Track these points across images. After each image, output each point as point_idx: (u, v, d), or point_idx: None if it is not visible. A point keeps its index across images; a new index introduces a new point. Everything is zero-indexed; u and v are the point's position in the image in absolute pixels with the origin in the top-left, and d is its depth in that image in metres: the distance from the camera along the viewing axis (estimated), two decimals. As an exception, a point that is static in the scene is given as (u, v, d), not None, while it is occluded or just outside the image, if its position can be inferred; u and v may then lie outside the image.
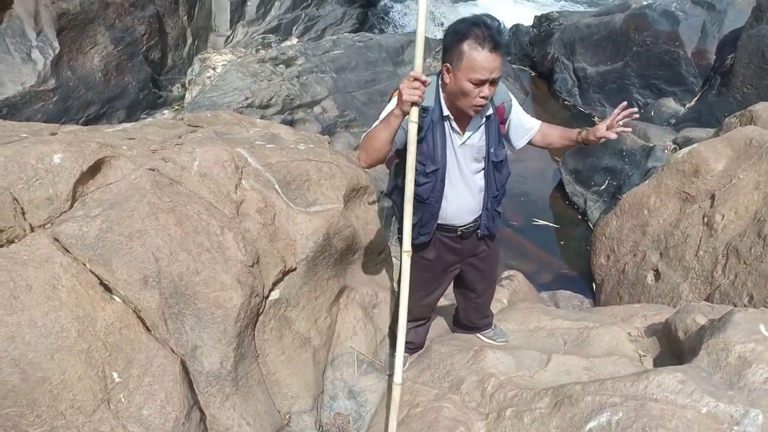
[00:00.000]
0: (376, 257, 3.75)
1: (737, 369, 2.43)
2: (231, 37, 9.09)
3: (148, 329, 2.34)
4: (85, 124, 6.80)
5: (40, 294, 2.17)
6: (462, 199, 2.61)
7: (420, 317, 3.06)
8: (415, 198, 2.41)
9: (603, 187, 6.81)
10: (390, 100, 2.46)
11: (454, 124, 2.47)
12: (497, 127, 2.57)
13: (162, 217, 2.54)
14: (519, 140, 2.73)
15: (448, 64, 2.32)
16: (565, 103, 9.74)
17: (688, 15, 8.76)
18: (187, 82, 8.11)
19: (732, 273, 3.77)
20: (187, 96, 7.78)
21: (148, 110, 7.66)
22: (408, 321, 2.60)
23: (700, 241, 4.09)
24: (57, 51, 6.70)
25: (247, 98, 7.03)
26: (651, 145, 6.64)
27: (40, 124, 3.72)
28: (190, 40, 8.57)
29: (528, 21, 11.62)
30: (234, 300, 2.49)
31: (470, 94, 2.30)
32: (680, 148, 5.96)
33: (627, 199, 4.77)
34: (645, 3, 9.55)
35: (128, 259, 2.40)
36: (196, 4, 8.66)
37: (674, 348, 2.97)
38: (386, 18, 11.64)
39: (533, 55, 10.85)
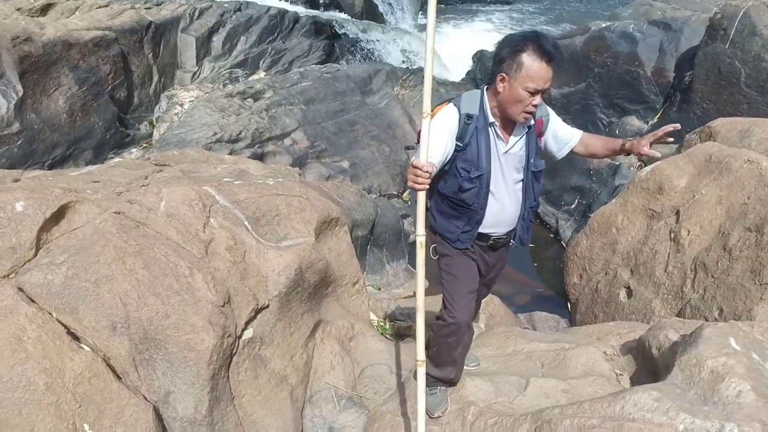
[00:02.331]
0: (351, 288, 3.74)
1: (710, 384, 2.46)
2: (198, 73, 9.09)
3: (118, 377, 2.29)
4: (51, 166, 6.71)
5: (5, 347, 2.12)
6: (503, 208, 2.69)
7: (461, 318, 2.79)
8: (459, 204, 2.62)
9: (573, 206, 6.92)
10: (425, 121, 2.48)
11: (499, 131, 2.59)
12: (536, 138, 2.70)
13: (129, 260, 2.51)
14: (560, 151, 2.85)
15: (504, 74, 2.45)
16: (532, 124, 9.89)
17: (646, 35, 9.02)
18: (154, 119, 8.07)
19: (701, 287, 3.84)
20: (155, 133, 7.73)
21: (115, 149, 7.58)
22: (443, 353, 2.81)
23: (669, 256, 4.17)
24: (20, 94, 6.62)
25: (215, 133, 7.01)
26: (617, 163, 6.78)
27: (2, 171, 3.66)
28: (156, 78, 8.55)
29: (492, 46, 11.87)
30: (206, 342, 2.45)
31: (524, 101, 2.44)
32: (645, 165, 6.09)
33: (595, 218, 4.85)
34: (604, 25, 9.82)
35: (95, 305, 2.35)
36: (161, 42, 8.65)
37: (649, 365, 2.99)
38: (352, 48, 11.78)
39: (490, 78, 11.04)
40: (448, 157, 2.58)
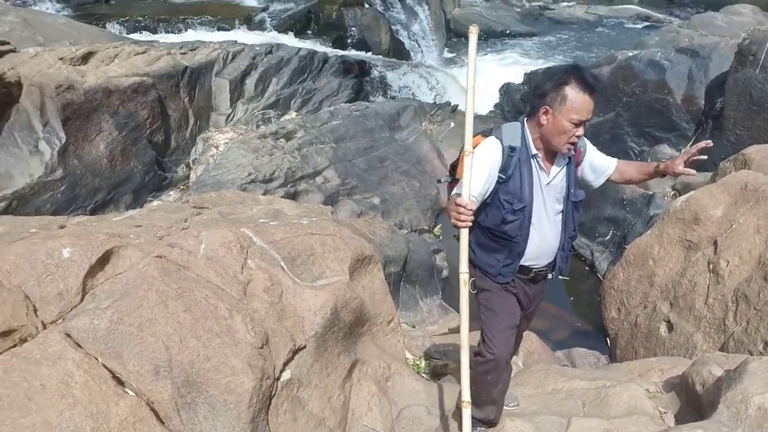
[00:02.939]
0: (386, 327, 3.75)
1: (758, 421, 2.39)
2: (232, 115, 9.33)
3: (161, 421, 2.33)
4: (93, 210, 6.92)
5: (53, 393, 2.18)
6: (544, 239, 2.72)
7: (501, 355, 2.77)
8: (502, 236, 2.65)
9: (608, 237, 6.84)
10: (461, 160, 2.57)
11: (542, 163, 2.64)
12: (574, 168, 2.75)
13: (171, 304, 2.57)
14: (597, 180, 2.89)
15: (548, 107, 2.53)
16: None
17: (674, 63, 9.00)
18: (191, 161, 8.28)
19: (744, 319, 3.74)
20: (191, 176, 7.92)
21: (154, 192, 7.79)
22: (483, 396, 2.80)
23: (708, 288, 4.08)
24: (63, 141, 6.88)
25: (250, 174, 7.16)
26: (650, 192, 6.71)
27: (48, 217, 3.80)
28: (192, 121, 8.80)
29: (518, 78, 11.94)
30: (245, 384, 2.48)
31: (568, 132, 2.52)
32: (680, 194, 6.01)
33: (631, 251, 4.79)
34: (630, 54, 9.83)
35: (139, 349, 2.41)
36: (196, 86, 8.94)
37: (694, 402, 2.92)
38: (380, 86, 11.98)
39: (526, 112, 11.09)
40: (489, 191, 2.62)
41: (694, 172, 2.69)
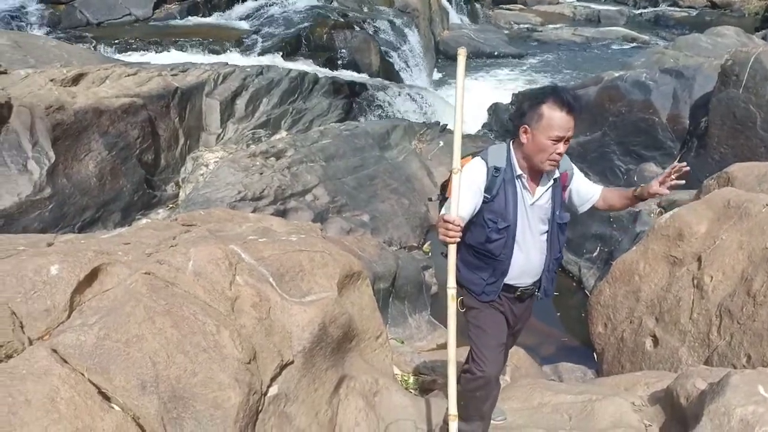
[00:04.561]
0: (374, 342, 3.76)
1: (741, 433, 2.42)
2: (222, 135, 9.37)
3: (147, 436, 2.33)
4: (81, 228, 6.90)
5: (38, 408, 2.17)
6: (528, 259, 2.75)
7: (491, 372, 2.80)
8: (486, 254, 2.70)
9: (595, 254, 6.90)
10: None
11: (526, 183, 2.69)
12: (561, 191, 2.80)
13: (158, 320, 2.57)
14: (582, 205, 2.96)
15: (526, 126, 2.61)
16: (550, 174, 9.96)
17: (659, 83, 9.15)
18: (180, 180, 8.30)
19: (727, 333, 3.79)
20: (181, 194, 7.94)
21: (143, 211, 7.79)
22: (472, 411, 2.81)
23: (693, 303, 4.13)
24: (52, 160, 6.88)
25: (239, 192, 7.19)
26: (637, 210, 6.78)
27: (37, 235, 3.81)
28: (182, 140, 8.83)
29: (507, 99, 12.09)
30: (232, 399, 2.49)
31: (547, 150, 2.58)
32: (665, 211, 6.09)
33: (617, 266, 4.84)
34: (617, 75, 9.99)
35: (126, 365, 2.41)
36: (186, 106, 8.98)
37: (678, 415, 2.95)
38: (370, 106, 12.09)
39: (513, 132, 11.22)
40: (476, 209, 2.67)
41: (667, 191, 2.74)
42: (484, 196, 2.66)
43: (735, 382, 2.60)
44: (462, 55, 2.58)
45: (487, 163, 2.68)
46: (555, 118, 2.54)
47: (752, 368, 3.09)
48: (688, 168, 2.74)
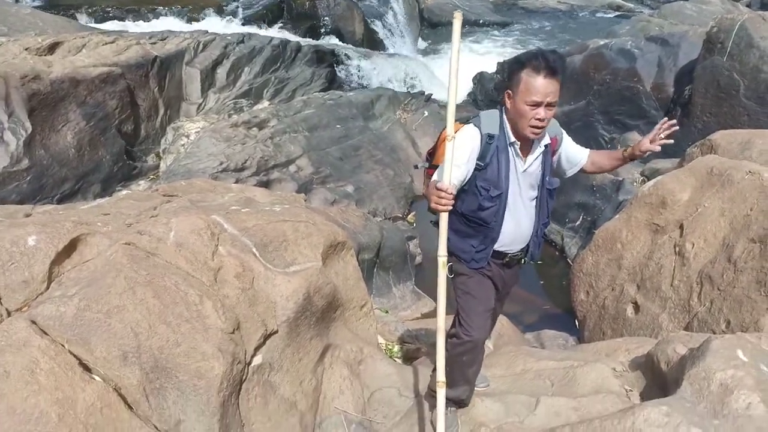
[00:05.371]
0: (359, 312, 3.76)
1: (720, 397, 2.46)
2: (203, 105, 9.22)
3: (129, 407, 2.32)
4: (60, 200, 6.79)
5: (18, 380, 2.15)
6: (518, 226, 2.76)
7: (478, 337, 2.82)
8: (477, 222, 2.69)
9: (578, 223, 6.94)
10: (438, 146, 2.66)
11: (519, 151, 2.66)
12: (551, 156, 2.78)
13: (139, 291, 2.54)
14: (570, 170, 2.94)
15: (509, 90, 2.58)
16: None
17: (644, 51, 9.10)
18: (161, 151, 8.17)
19: (707, 300, 3.84)
20: (161, 165, 7.83)
21: (123, 182, 7.67)
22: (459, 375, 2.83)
23: (674, 270, 4.17)
24: (29, 131, 6.73)
25: (221, 163, 7.10)
26: (620, 178, 6.81)
27: (14, 206, 3.73)
28: (162, 111, 8.67)
29: (492, 67, 12.00)
30: (216, 369, 2.48)
31: (526, 115, 2.53)
32: (648, 180, 6.12)
33: (600, 235, 4.87)
34: (602, 43, 9.93)
35: (107, 336, 2.39)
36: (166, 75, 8.80)
37: (659, 380, 2.99)
38: (354, 75, 11.94)
39: (499, 101, 11.16)
40: (468, 177, 2.64)
41: (658, 148, 2.73)
42: (477, 164, 2.63)
43: (715, 347, 2.63)
44: (458, 19, 2.49)
45: (480, 130, 2.64)
46: (533, 83, 2.49)
47: (731, 333, 3.14)
48: (677, 126, 2.73)
